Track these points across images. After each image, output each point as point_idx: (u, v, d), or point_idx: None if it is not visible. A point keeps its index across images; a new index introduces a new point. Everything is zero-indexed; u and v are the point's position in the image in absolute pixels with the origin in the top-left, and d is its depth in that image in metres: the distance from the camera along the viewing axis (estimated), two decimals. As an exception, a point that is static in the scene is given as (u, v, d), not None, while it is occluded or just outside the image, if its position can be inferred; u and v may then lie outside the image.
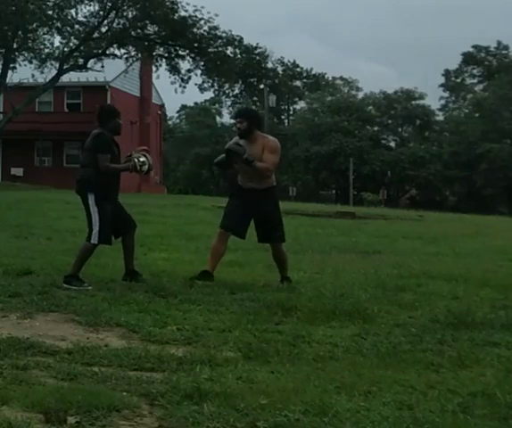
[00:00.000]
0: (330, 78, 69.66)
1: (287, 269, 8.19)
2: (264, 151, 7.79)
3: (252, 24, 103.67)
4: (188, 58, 36.81)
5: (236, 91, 67.14)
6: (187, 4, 37.61)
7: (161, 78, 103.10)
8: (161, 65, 37.40)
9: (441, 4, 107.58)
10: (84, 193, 7.66)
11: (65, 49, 35.65)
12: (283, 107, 69.89)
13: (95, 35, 35.71)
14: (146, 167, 7.74)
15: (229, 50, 36.89)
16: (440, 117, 64.72)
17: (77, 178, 7.90)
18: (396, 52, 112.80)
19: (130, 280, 7.58)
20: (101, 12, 35.23)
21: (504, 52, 63.88)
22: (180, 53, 36.77)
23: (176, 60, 36.85)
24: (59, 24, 34.58)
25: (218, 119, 69.88)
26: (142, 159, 7.73)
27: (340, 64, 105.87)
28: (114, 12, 35.31)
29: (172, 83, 37.29)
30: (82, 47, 35.81)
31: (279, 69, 64.02)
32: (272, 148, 7.87)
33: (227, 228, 7.95)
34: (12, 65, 35.17)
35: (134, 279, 7.60)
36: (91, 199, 7.56)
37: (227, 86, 40.43)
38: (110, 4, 35.05)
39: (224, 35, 36.17)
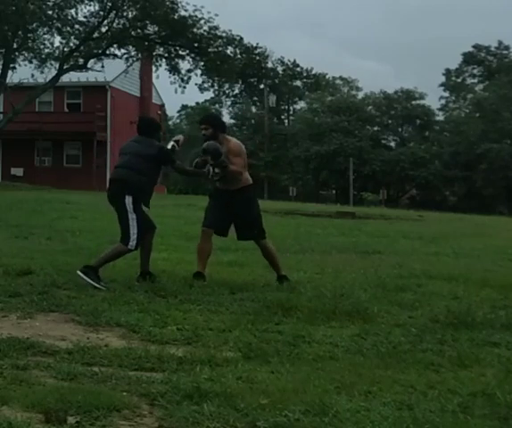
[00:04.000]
0: (330, 78, 69.71)
1: (280, 267, 8.21)
2: (229, 154, 8.02)
3: (251, 23, 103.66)
4: (188, 58, 36.82)
5: (236, 91, 67.44)
6: (187, 3, 37.71)
7: (161, 78, 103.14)
8: (160, 65, 37.41)
9: (442, 4, 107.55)
10: (122, 194, 7.62)
11: (65, 49, 35.62)
12: (283, 107, 69.85)
13: (95, 35, 35.67)
14: (171, 144, 8.00)
15: (229, 50, 36.89)
16: (440, 117, 64.74)
17: (116, 178, 7.89)
18: (396, 51, 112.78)
19: (147, 280, 7.61)
20: (101, 12, 35.20)
21: (505, 52, 63.85)
22: (180, 53, 36.75)
23: (176, 60, 36.84)
24: (59, 24, 34.55)
25: (217, 119, 69.79)
26: (169, 145, 8.00)
27: (339, 64, 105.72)
28: (114, 12, 35.28)
29: (172, 83, 37.33)
30: (82, 47, 35.78)
31: (279, 68, 64.28)
32: (235, 152, 8.11)
33: (209, 226, 8.10)
34: (12, 65, 35.14)
35: (151, 279, 7.63)
36: (129, 202, 7.56)
37: (227, 86, 40.42)
38: (110, 4, 35.02)
39: (224, 34, 36.17)
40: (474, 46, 64.75)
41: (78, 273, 7.38)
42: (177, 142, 8.09)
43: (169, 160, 7.91)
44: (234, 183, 8.07)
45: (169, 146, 8.01)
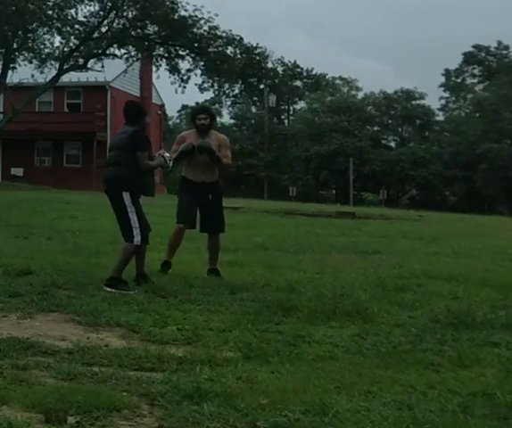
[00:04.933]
0: (330, 78, 69.69)
1: (218, 261, 8.61)
2: (221, 147, 8.43)
3: (251, 23, 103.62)
4: (188, 58, 36.82)
5: (236, 91, 67.42)
6: (187, 3, 37.70)
7: (161, 78, 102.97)
8: (160, 65, 37.41)
9: (442, 4, 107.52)
10: (118, 193, 7.54)
11: (65, 49, 35.63)
12: (283, 107, 69.83)
13: (95, 35, 35.67)
14: (171, 163, 8.04)
15: (229, 50, 36.88)
16: (440, 117, 64.71)
17: (107, 177, 7.76)
18: (396, 51, 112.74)
19: (142, 282, 7.56)
20: (101, 12, 35.20)
21: (504, 52, 63.82)
22: (180, 53, 36.75)
23: (176, 60, 36.83)
24: (59, 24, 34.54)
25: (218, 119, 69.86)
26: (167, 154, 8.00)
27: (339, 64, 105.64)
28: (114, 12, 35.28)
29: (172, 83, 37.33)
30: (82, 47, 35.78)
31: (279, 69, 64.26)
32: (228, 145, 8.64)
33: (184, 222, 8.40)
34: (12, 65, 35.15)
35: (145, 282, 7.58)
36: (127, 198, 7.49)
37: (227, 86, 40.37)
38: (110, 4, 35.01)
39: (224, 34, 36.16)
40: (474, 46, 64.77)
41: (105, 288, 7.19)
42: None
43: (140, 146, 7.60)
44: (212, 175, 8.46)
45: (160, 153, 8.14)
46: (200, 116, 8.51)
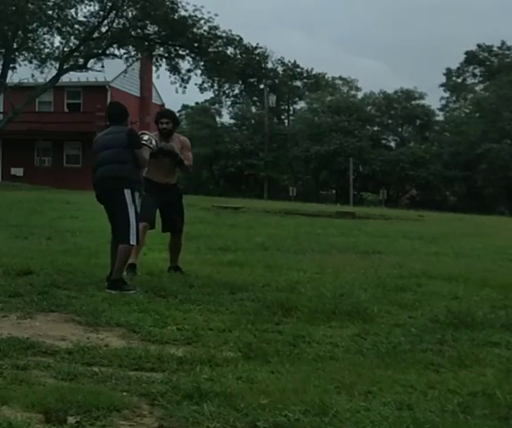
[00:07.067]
0: (329, 78, 69.67)
1: (178, 259, 8.76)
2: (183, 149, 8.59)
3: (251, 23, 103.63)
4: (188, 58, 36.85)
5: (236, 91, 67.45)
6: (187, 3, 37.73)
7: (161, 78, 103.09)
8: (161, 65, 37.45)
9: (443, 3, 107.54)
10: (120, 190, 7.51)
11: (65, 49, 35.64)
12: (283, 107, 69.79)
13: (95, 35, 35.69)
14: (154, 141, 8.09)
15: (229, 50, 36.92)
16: (440, 117, 64.69)
17: (106, 175, 7.63)
18: (397, 51, 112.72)
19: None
20: (101, 12, 35.22)
21: (507, 52, 63.73)
22: (180, 52, 36.78)
23: (176, 60, 36.86)
24: (59, 24, 34.57)
25: (217, 119, 69.85)
26: (146, 137, 8.06)
27: (339, 63, 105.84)
28: (114, 12, 35.29)
29: (172, 83, 37.38)
30: (82, 47, 35.80)
31: (279, 69, 64.29)
32: (189, 147, 8.82)
33: (146, 220, 8.30)
34: (12, 65, 35.17)
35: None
36: (128, 195, 7.50)
37: (227, 86, 40.38)
38: (110, 4, 35.03)
39: (224, 35, 36.20)
40: (477, 46, 64.74)
41: (108, 291, 7.15)
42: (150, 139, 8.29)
43: (138, 143, 7.72)
44: (173, 177, 8.66)
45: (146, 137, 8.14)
46: (162, 120, 8.61)
